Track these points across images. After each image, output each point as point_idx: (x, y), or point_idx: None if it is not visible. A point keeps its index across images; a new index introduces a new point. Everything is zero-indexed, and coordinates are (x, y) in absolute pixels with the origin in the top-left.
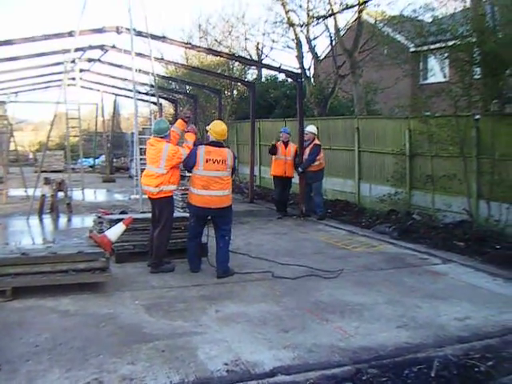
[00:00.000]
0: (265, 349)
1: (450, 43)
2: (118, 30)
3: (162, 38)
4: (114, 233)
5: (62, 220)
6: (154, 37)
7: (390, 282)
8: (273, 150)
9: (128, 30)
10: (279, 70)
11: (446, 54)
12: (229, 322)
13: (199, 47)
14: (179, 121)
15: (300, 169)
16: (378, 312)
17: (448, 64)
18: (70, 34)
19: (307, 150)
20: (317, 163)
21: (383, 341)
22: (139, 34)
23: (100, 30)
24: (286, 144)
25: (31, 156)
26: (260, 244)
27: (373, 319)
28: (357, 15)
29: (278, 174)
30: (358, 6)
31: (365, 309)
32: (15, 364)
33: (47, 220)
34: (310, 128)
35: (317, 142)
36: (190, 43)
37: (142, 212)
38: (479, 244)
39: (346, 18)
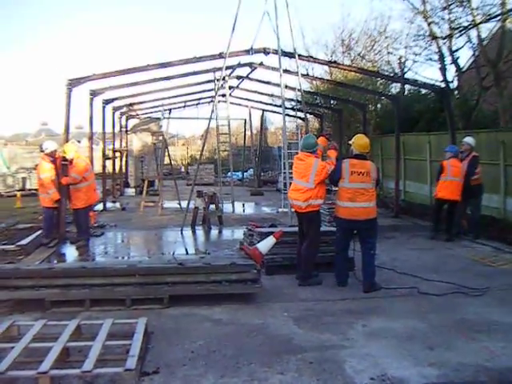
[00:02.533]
0: (410, 365)
1: None
2: (265, 51)
3: (308, 58)
4: (265, 245)
5: (214, 232)
6: (300, 56)
7: None
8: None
9: (275, 50)
10: (423, 85)
11: None
12: (375, 336)
13: (343, 65)
14: (321, 138)
15: None
16: None
17: None
18: (220, 55)
19: (465, 163)
20: (475, 176)
21: None
22: (285, 54)
23: (248, 51)
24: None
25: (183, 169)
26: (405, 259)
27: None
28: (500, 24)
29: (443, 197)
30: (501, 15)
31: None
32: (173, 368)
33: (199, 231)
34: (468, 139)
35: (475, 153)
36: (334, 61)
37: (290, 225)
38: None
39: (488, 28)
